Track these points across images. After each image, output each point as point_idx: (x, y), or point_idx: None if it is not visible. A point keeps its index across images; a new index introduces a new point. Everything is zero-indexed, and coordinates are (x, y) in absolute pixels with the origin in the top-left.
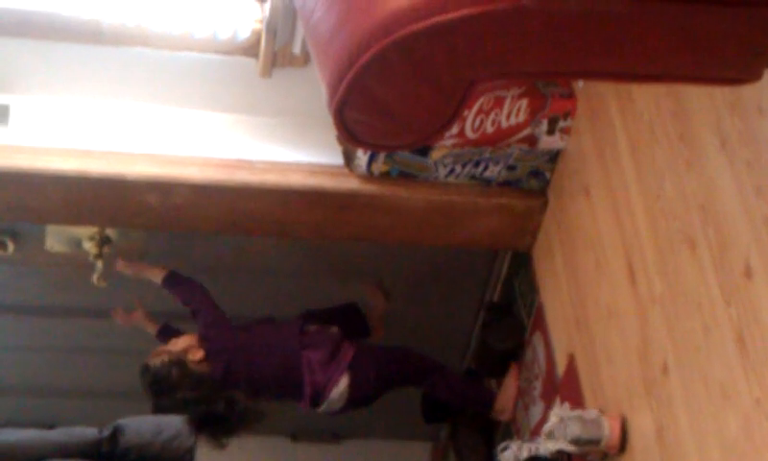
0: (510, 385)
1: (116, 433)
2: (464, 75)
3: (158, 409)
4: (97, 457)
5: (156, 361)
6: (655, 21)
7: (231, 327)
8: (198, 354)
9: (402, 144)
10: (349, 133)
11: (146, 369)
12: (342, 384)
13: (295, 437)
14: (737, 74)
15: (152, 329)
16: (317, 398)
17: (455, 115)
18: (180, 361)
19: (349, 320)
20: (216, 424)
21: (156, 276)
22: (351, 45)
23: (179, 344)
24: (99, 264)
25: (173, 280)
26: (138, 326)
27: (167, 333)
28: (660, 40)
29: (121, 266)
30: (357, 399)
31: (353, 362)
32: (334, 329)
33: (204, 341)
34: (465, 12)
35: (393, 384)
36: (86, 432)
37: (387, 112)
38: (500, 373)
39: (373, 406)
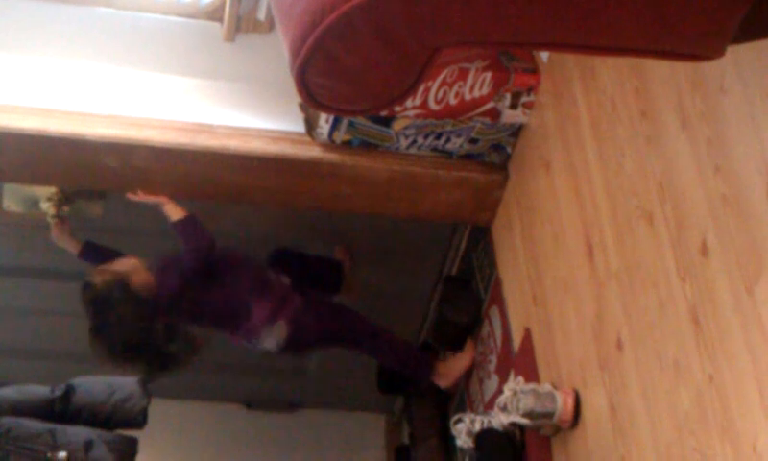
0: (463, 359)
1: (69, 392)
2: (427, 41)
3: (96, 330)
4: (50, 416)
5: (98, 278)
6: None
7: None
8: (143, 277)
9: (363, 109)
10: (311, 97)
11: (87, 286)
12: (279, 330)
13: (249, 405)
14: (701, 50)
15: (74, 249)
16: (251, 336)
17: (417, 82)
18: (123, 282)
19: (324, 272)
20: (154, 357)
21: (174, 214)
22: (314, 8)
23: (124, 264)
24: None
25: (189, 223)
26: (60, 242)
27: (94, 253)
28: (625, 11)
29: (141, 195)
30: (290, 347)
31: (297, 314)
32: (285, 279)
33: (162, 272)
34: None
35: (330, 343)
36: (39, 390)
37: (349, 76)
38: (456, 346)
39: (329, 376)
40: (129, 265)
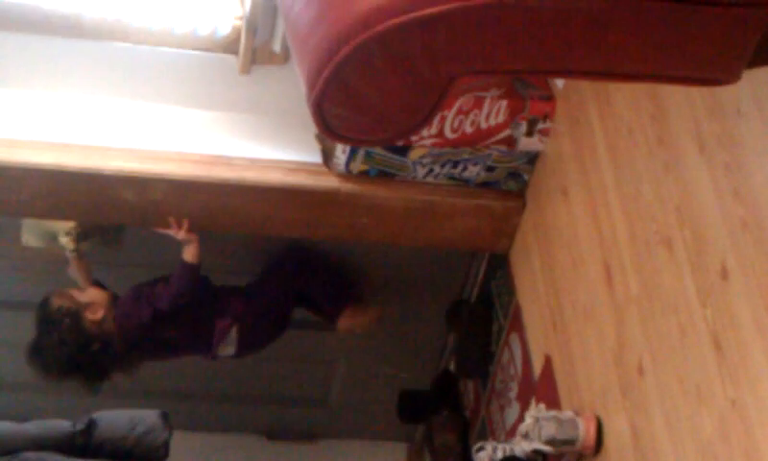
0: (366, 315)
1: (90, 426)
2: (443, 71)
3: (36, 345)
4: (71, 450)
5: (56, 301)
6: (634, 19)
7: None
8: (98, 314)
9: (380, 139)
10: (328, 127)
11: (46, 303)
12: (231, 333)
13: (270, 436)
14: (717, 74)
15: (84, 282)
16: (215, 349)
17: (434, 111)
18: (77, 314)
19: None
20: (89, 366)
21: (190, 256)
22: (330, 39)
23: (89, 295)
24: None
25: (195, 271)
26: (74, 275)
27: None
28: (640, 38)
29: (183, 227)
30: (247, 345)
31: (244, 310)
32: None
33: (125, 319)
34: (444, 7)
35: (286, 322)
36: (61, 425)
37: (365, 106)
38: (480, 374)
39: (349, 406)
40: (91, 298)
